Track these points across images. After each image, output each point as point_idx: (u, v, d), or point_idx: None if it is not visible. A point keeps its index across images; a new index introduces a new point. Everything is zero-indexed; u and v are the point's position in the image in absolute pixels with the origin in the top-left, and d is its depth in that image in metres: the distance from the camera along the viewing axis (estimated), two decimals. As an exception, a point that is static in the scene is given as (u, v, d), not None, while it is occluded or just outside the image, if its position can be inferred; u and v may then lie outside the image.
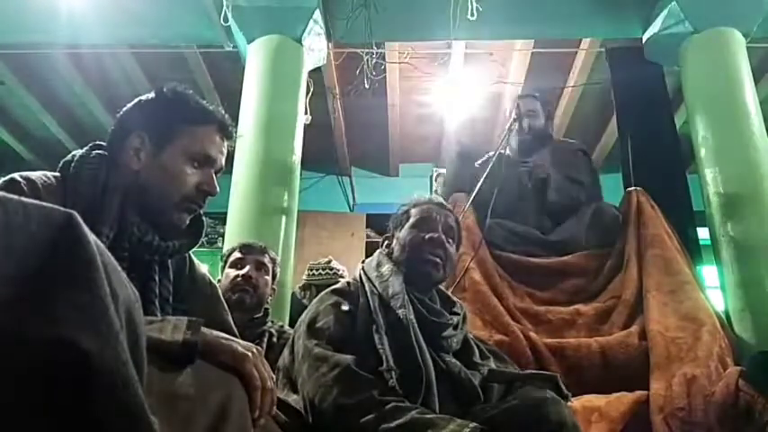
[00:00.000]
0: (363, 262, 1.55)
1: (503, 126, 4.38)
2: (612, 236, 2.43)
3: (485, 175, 2.46)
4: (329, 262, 2.90)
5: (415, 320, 1.33)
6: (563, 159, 2.67)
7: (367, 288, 1.41)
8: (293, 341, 1.38)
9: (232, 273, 1.96)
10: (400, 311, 1.32)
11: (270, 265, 2.02)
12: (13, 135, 4.93)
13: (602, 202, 2.57)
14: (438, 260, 1.45)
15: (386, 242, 1.57)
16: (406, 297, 1.36)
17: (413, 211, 1.54)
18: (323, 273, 2.83)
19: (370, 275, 1.44)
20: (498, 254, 2.38)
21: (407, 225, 1.51)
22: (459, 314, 1.49)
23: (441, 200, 1.62)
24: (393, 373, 1.22)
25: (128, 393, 0.46)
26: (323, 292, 1.47)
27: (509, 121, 2.69)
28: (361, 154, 5.43)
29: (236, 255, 2.01)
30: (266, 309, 1.99)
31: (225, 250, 2.12)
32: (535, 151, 2.68)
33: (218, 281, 1.93)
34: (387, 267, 1.44)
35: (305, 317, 1.39)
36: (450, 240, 1.50)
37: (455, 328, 1.44)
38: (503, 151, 2.72)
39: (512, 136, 2.71)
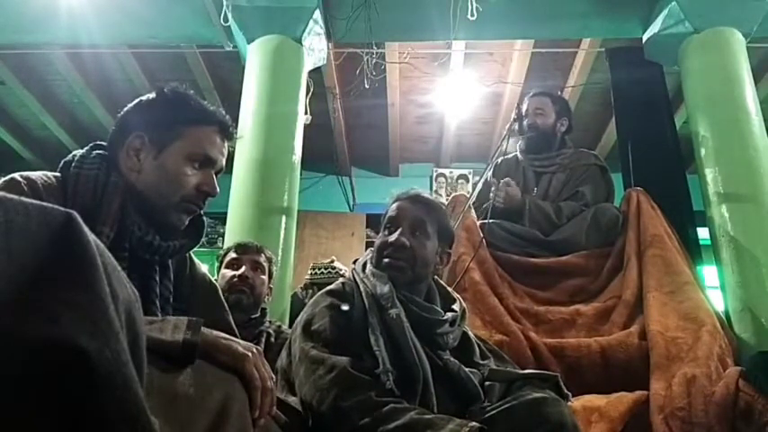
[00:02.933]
0: (355, 262, 1.55)
1: (502, 126, 4.40)
2: (612, 236, 2.43)
3: (483, 177, 2.46)
4: (332, 262, 2.91)
5: (406, 320, 1.33)
6: (568, 174, 2.63)
7: (362, 288, 1.40)
8: (290, 343, 1.38)
9: (228, 273, 1.95)
10: (392, 311, 1.31)
11: (266, 265, 2.02)
12: (13, 135, 4.93)
13: (602, 203, 2.56)
14: (400, 263, 1.41)
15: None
16: (395, 297, 1.35)
17: (388, 209, 1.51)
18: (325, 272, 2.83)
19: (360, 275, 1.44)
20: (498, 254, 2.38)
21: (382, 225, 1.50)
22: (456, 312, 1.47)
23: (417, 191, 1.54)
24: (390, 374, 1.22)
25: (128, 393, 0.46)
26: (317, 294, 1.47)
27: (509, 122, 2.68)
28: (361, 154, 5.43)
29: (232, 255, 2.00)
30: (263, 309, 1.99)
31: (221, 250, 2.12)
32: (540, 151, 2.68)
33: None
34: (370, 269, 1.44)
35: (300, 319, 1.38)
36: (419, 233, 1.44)
37: (451, 324, 1.43)
38: (509, 153, 2.72)
39: (516, 135, 2.70)
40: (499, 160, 2.74)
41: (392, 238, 1.43)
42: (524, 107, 2.72)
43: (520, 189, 2.58)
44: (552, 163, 2.67)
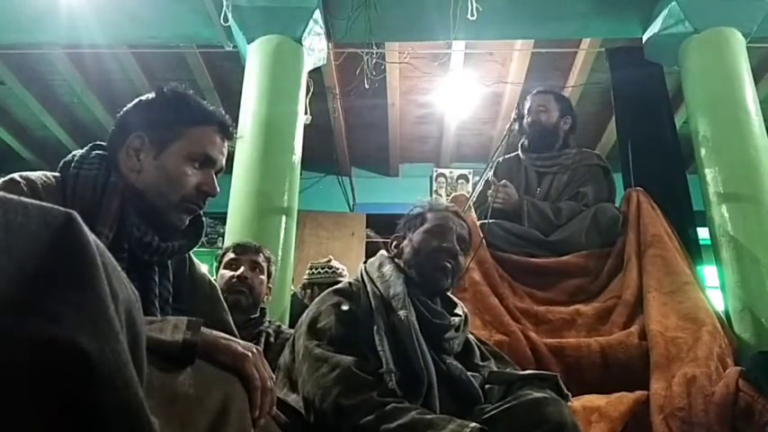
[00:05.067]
0: (365, 262, 1.55)
1: (503, 126, 4.40)
2: (612, 236, 2.43)
3: (483, 178, 2.46)
4: (329, 261, 2.92)
5: (416, 322, 1.33)
6: (570, 175, 2.63)
7: (369, 289, 1.40)
8: (294, 341, 1.38)
9: (227, 274, 1.94)
10: (401, 312, 1.32)
11: (265, 265, 2.01)
12: (13, 135, 4.93)
13: (602, 203, 2.56)
14: (449, 267, 1.46)
15: (395, 242, 1.56)
16: (408, 298, 1.36)
17: (429, 215, 1.53)
18: (322, 271, 2.84)
19: (371, 276, 1.44)
20: (498, 254, 2.38)
21: (422, 229, 1.50)
22: (460, 316, 1.48)
23: (456, 208, 1.62)
24: (393, 375, 1.22)
25: (128, 393, 0.46)
26: (324, 292, 1.47)
27: (509, 122, 2.68)
28: (361, 154, 5.43)
29: (231, 255, 1.99)
30: (263, 309, 1.99)
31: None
32: (542, 149, 2.67)
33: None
34: (388, 268, 1.44)
35: (306, 317, 1.39)
36: (463, 249, 1.52)
37: (456, 329, 1.44)
38: (510, 153, 2.72)
39: (516, 135, 2.70)
40: (500, 159, 2.74)
41: (449, 245, 1.47)
42: (527, 105, 2.72)
43: (521, 189, 2.58)
44: (555, 163, 2.66)
